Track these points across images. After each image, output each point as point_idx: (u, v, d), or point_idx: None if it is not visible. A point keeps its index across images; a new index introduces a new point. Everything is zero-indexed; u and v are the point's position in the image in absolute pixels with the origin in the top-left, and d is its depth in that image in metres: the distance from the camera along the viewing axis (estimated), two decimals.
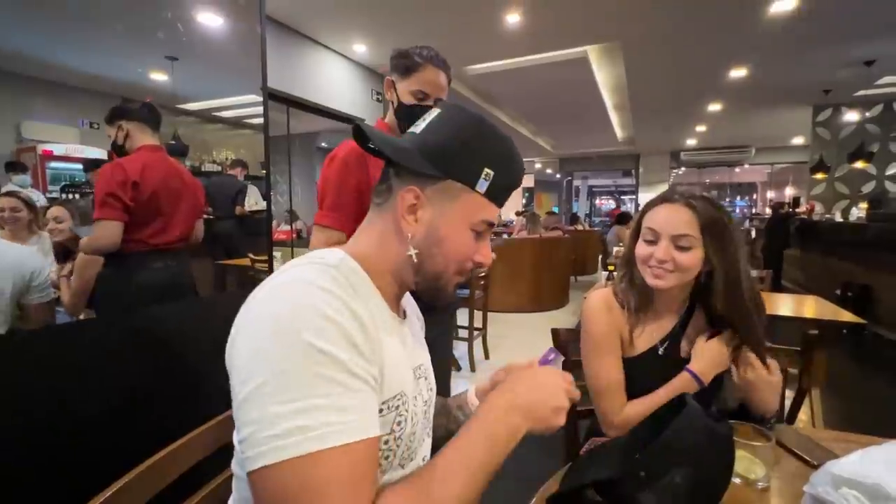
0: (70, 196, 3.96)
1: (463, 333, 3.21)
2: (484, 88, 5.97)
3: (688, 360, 0.93)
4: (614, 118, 7.70)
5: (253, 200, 2.15)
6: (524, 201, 16.07)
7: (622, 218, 6.69)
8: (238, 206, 2.15)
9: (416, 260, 0.56)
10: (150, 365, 1.13)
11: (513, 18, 3.69)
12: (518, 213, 8.47)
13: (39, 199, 3.84)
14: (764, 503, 0.67)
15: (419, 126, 0.59)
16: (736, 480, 0.71)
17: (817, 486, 0.58)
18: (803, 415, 1.30)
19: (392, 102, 1.19)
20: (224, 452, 0.62)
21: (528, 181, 15.75)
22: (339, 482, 0.39)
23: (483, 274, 3.34)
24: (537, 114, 7.58)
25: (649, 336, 0.97)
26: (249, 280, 1.85)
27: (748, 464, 0.71)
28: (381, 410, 0.50)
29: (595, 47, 4.60)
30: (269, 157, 1.64)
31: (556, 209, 12.99)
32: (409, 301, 0.71)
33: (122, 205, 1.64)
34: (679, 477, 0.49)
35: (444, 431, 0.75)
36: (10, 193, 2.19)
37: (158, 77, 3.49)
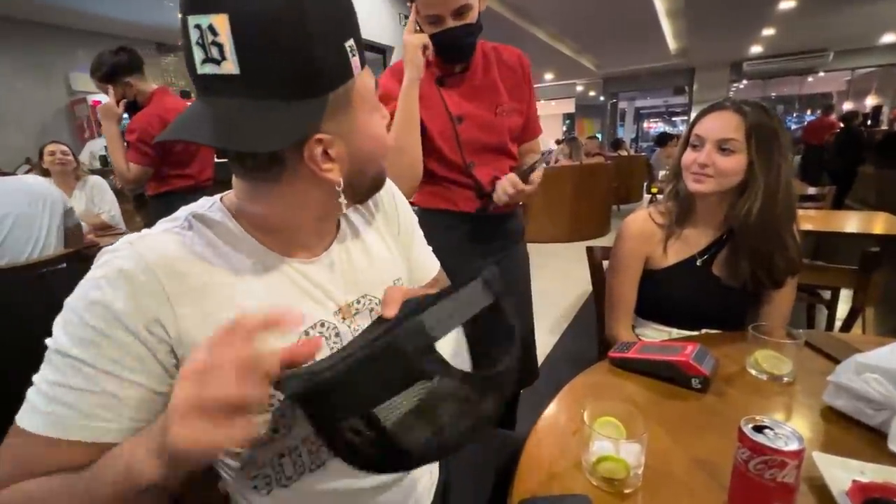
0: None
1: None
2: (520, 4, 5.50)
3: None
4: (666, 27, 6.93)
5: None
6: (564, 128, 15.22)
7: (662, 139, 6.27)
8: None
9: (342, 197, 0.49)
10: None
11: None
12: (558, 142, 8.09)
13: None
14: (788, 395, 0.70)
15: (225, 66, 0.39)
16: (763, 377, 0.74)
17: (841, 374, 0.59)
18: (858, 329, 1.26)
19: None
20: None
21: (568, 106, 14.81)
22: (6, 456, 0.41)
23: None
24: (580, 29, 6.94)
25: (685, 247, 0.99)
26: None
27: (775, 361, 0.73)
28: None
29: None
30: None
31: (599, 135, 12.25)
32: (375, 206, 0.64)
33: (152, 152, 1.71)
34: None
35: None
36: (55, 142, 2.35)
37: None
